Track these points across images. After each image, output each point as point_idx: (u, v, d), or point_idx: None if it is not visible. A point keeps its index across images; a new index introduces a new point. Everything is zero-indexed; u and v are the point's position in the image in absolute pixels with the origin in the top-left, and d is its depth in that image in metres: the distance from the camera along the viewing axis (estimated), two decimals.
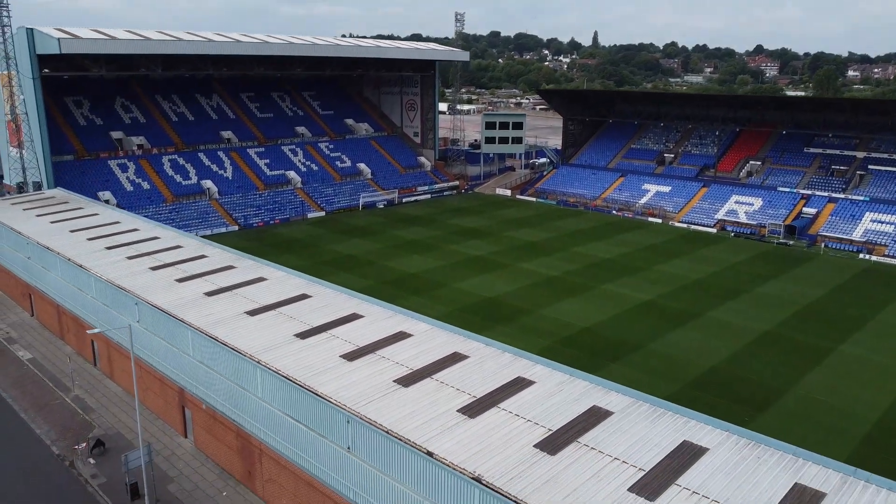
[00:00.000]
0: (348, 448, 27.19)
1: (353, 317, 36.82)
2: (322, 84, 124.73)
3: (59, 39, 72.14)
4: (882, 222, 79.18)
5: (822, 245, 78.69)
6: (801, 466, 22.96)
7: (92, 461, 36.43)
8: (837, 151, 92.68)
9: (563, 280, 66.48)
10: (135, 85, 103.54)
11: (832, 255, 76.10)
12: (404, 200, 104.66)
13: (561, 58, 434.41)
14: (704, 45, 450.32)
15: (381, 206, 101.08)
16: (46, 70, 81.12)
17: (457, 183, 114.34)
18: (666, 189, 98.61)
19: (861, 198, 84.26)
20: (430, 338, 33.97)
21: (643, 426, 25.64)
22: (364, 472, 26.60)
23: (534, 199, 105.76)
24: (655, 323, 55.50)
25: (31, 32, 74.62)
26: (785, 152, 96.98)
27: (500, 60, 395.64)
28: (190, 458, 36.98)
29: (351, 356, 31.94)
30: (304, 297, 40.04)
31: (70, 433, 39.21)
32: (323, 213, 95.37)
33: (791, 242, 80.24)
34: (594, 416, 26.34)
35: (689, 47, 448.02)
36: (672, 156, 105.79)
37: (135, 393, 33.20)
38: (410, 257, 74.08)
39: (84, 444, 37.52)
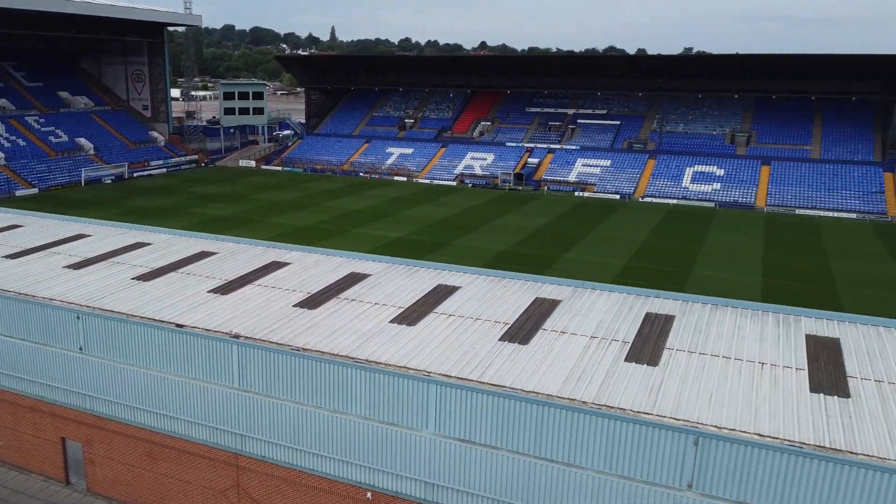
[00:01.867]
0: (80, 349, 23.96)
1: (79, 236, 32.67)
2: (27, 54, 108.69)
3: None
4: (591, 166, 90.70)
5: (546, 188, 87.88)
6: (541, 287, 25.23)
7: None
8: (553, 109, 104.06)
9: (314, 229, 65.85)
10: None
11: (554, 195, 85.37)
12: (136, 175, 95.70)
13: (299, 51, 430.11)
14: (436, 41, 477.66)
15: (109, 182, 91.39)
16: None
17: (196, 157, 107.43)
18: (409, 151, 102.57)
19: (573, 147, 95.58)
20: (171, 244, 31.37)
21: (401, 280, 26.23)
22: (100, 368, 23.60)
23: (280, 168, 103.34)
24: (403, 254, 57.09)
25: None
26: (510, 112, 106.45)
27: (235, 53, 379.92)
28: None
29: (77, 266, 28.25)
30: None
31: None
32: (36, 190, 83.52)
33: (520, 188, 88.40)
34: (352, 280, 26.32)
35: (423, 42, 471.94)
36: (412, 121, 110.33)
37: None
38: (147, 222, 67.85)
39: None
